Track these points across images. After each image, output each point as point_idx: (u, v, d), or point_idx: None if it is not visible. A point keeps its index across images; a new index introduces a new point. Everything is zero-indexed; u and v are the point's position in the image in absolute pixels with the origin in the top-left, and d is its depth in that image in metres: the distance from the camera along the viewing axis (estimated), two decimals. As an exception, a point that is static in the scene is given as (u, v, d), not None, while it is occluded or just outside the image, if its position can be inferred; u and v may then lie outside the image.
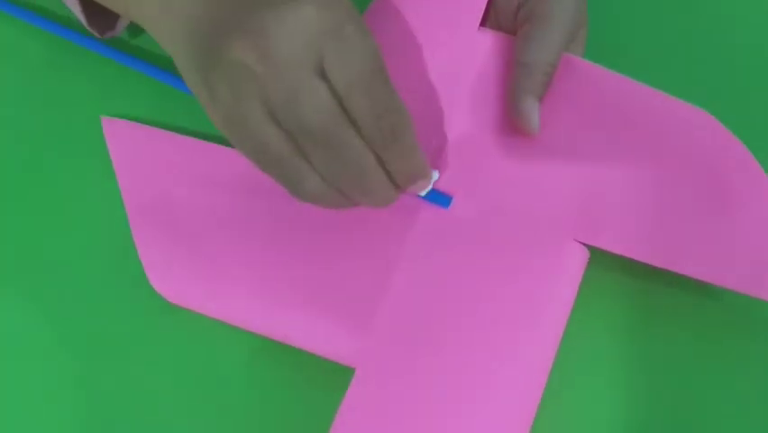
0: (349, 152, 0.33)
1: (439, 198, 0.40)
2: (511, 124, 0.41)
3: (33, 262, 0.43)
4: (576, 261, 0.39)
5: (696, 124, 0.40)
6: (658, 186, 0.39)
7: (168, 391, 0.40)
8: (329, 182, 0.34)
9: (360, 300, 0.39)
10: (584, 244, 0.40)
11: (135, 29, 0.48)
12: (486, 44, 0.42)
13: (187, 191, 0.42)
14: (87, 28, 0.45)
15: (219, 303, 0.40)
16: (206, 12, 0.34)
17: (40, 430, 0.40)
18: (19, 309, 0.42)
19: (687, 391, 0.39)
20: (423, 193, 0.39)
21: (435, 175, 0.39)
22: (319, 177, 0.34)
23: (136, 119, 0.46)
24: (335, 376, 0.40)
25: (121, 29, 0.46)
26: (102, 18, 0.46)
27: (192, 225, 0.42)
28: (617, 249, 0.39)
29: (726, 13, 0.47)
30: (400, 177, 0.35)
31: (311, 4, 0.32)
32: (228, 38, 0.33)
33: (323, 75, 0.33)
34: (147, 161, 0.43)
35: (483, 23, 0.44)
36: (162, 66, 0.47)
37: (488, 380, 0.36)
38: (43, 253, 0.43)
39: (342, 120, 0.33)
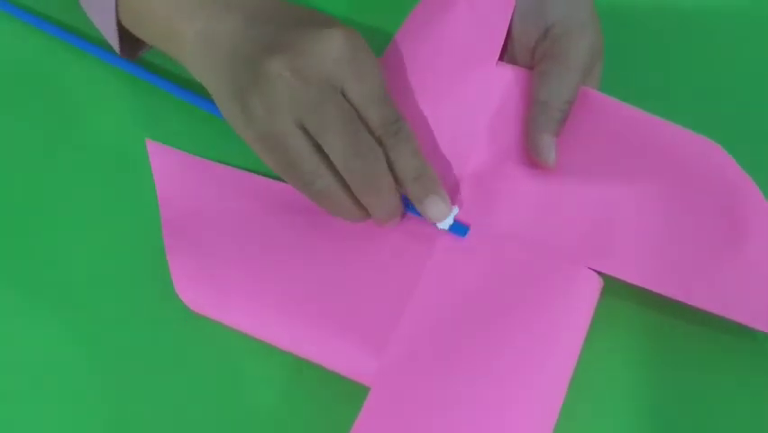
0: (363, 144, 0.38)
1: (456, 227, 0.41)
2: (528, 156, 0.42)
3: (64, 270, 0.44)
4: (590, 288, 0.40)
5: (704, 154, 0.41)
6: (669, 217, 0.40)
7: (193, 400, 0.41)
8: (342, 177, 0.39)
9: (377, 323, 0.40)
10: (598, 273, 0.41)
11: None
12: (505, 79, 0.44)
13: (220, 213, 0.44)
14: (119, 54, 0.47)
15: (243, 318, 0.42)
16: (248, 37, 0.40)
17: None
18: (47, 319, 0.43)
19: (700, 422, 0.40)
20: (443, 226, 0.41)
21: (455, 210, 0.41)
22: (332, 176, 0.39)
23: (161, 138, 0.48)
24: (354, 393, 0.41)
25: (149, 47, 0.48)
26: (134, 44, 0.48)
27: (222, 245, 0.43)
28: (629, 277, 0.40)
29: (732, 46, 0.49)
30: (405, 175, 0.40)
31: (340, 33, 0.39)
32: (268, 54, 0.39)
33: (342, 90, 0.39)
34: (185, 184, 0.45)
35: (501, 58, 0.45)
36: (187, 86, 0.49)
37: (500, 407, 0.37)
38: (78, 264, 0.44)
39: (358, 119, 0.39)
